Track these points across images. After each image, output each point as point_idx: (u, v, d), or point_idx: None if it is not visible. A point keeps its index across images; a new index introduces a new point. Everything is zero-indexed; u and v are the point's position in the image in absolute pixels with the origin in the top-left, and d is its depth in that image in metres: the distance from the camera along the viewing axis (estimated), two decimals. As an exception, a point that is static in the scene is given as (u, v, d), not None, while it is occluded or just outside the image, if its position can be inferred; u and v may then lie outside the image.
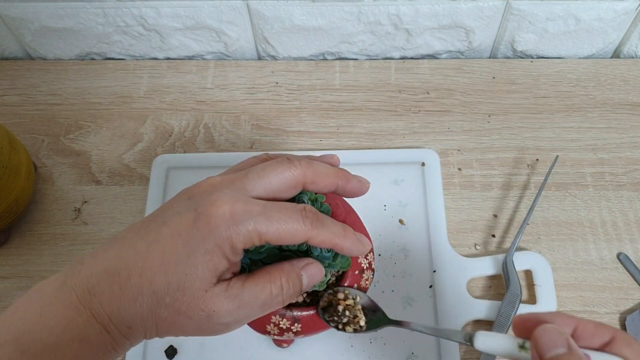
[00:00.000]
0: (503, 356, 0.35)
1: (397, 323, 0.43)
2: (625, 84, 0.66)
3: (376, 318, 0.43)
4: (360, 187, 0.41)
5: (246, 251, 0.40)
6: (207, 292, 0.34)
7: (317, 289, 0.43)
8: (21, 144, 0.56)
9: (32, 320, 0.33)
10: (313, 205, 0.43)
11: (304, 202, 0.42)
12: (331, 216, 0.44)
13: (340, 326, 0.42)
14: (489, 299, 0.53)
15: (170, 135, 0.64)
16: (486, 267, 0.55)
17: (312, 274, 0.38)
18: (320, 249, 0.41)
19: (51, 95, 0.67)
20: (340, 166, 0.59)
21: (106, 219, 0.59)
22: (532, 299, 0.54)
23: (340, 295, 0.43)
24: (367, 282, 0.45)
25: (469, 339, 0.36)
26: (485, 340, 0.36)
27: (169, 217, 0.35)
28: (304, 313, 0.43)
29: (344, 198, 0.45)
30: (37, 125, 0.65)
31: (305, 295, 0.44)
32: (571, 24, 0.65)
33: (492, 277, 0.55)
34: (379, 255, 0.55)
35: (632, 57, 0.70)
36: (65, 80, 0.68)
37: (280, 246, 0.42)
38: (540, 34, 0.67)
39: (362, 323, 0.43)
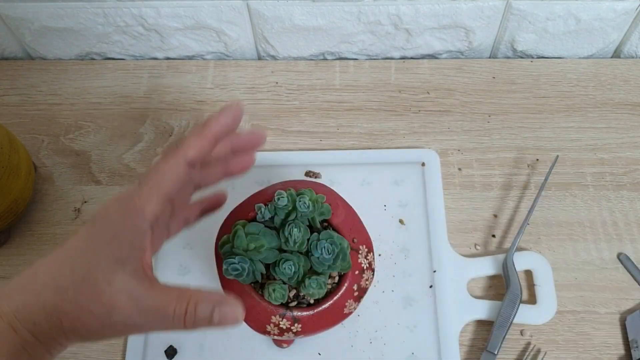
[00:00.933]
0: None
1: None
2: (625, 84, 0.66)
3: None
4: (254, 139, 0.42)
5: (245, 251, 0.40)
6: (111, 286, 0.34)
7: (317, 297, 0.43)
8: (21, 144, 0.56)
9: None
10: (313, 205, 0.43)
11: (304, 202, 0.42)
12: (331, 216, 0.45)
13: None
14: (489, 299, 0.53)
15: (170, 135, 0.64)
16: (486, 267, 0.55)
17: (225, 316, 0.35)
18: (321, 250, 0.41)
19: (51, 95, 0.67)
20: (340, 166, 0.60)
21: (106, 219, 0.59)
22: (532, 299, 0.54)
23: None
24: (367, 282, 0.46)
25: None
26: None
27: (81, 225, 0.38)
28: (304, 313, 0.43)
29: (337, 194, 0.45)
30: (37, 125, 0.65)
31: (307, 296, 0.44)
32: (571, 24, 0.65)
33: (492, 277, 0.55)
34: (379, 255, 0.55)
35: (632, 57, 0.70)
36: (65, 80, 0.68)
37: (280, 246, 0.42)
38: (540, 34, 0.67)
39: None
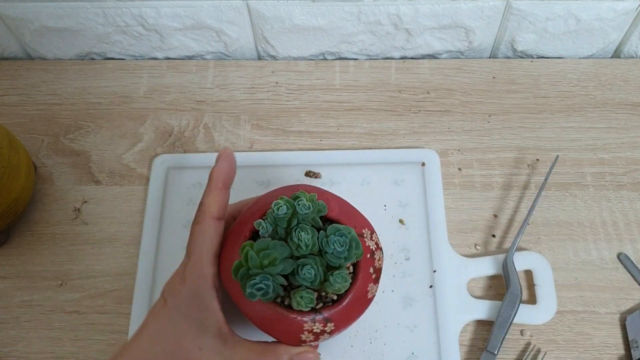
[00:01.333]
0: None
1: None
2: (625, 84, 0.66)
3: None
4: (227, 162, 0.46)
5: (262, 268, 0.40)
6: (202, 350, 0.40)
7: (342, 291, 0.43)
8: (21, 144, 0.56)
9: None
10: (312, 205, 0.42)
11: (303, 204, 0.42)
12: (327, 211, 0.44)
13: None
14: (489, 299, 0.53)
15: (170, 135, 0.64)
16: (486, 267, 0.55)
17: None
18: (333, 245, 0.41)
19: (51, 95, 0.67)
20: (341, 166, 0.60)
21: (106, 219, 0.59)
22: (532, 299, 0.54)
23: None
24: (380, 262, 0.45)
25: None
26: None
27: (148, 313, 0.44)
28: (333, 311, 0.42)
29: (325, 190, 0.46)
30: (37, 125, 0.65)
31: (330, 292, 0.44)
32: (571, 24, 0.65)
33: (492, 277, 0.55)
34: (379, 255, 0.55)
35: (633, 57, 0.70)
36: (65, 80, 0.68)
37: (292, 254, 0.42)
38: (541, 34, 0.67)
39: None
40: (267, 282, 0.40)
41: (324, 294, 0.43)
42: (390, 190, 0.59)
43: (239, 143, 0.63)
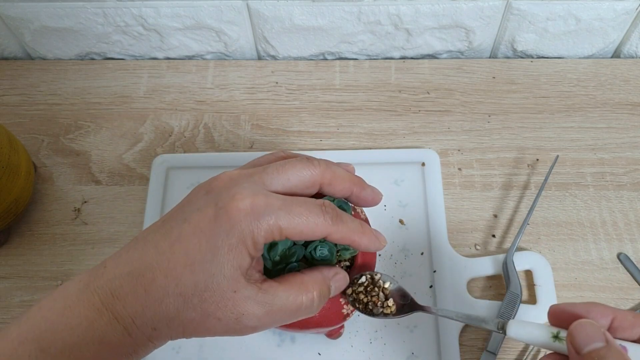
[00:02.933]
0: (535, 345, 0.35)
1: (426, 309, 0.43)
2: (625, 84, 0.66)
3: (407, 304, 0.44)
4: (374, 197, 0.41)
5: (275, 264, 0.40)
6: (237, 293, 0.34)
7: (353, 255, 0.44)
8: (21, 144, 0.56)
9: (54, 320, 0.33)
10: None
11: None
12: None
13: (370, 307, 0.43)
14: (489, 299, 0.53)
15: (170, 135, 0.64)
16: (486, 267, 0.55)
17: (339, 284, 0.40)
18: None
19: (51, 95, 0.67)
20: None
21: (106, 219, 0.59)
22: (532, 299, 0.54)
23: (376, 277, 0.43)
24: (363, 214, 0.47)
25: (502, 327, 0.37)
26: (518, 329, 0.36)
27: (189, 213, 0.35)
28: (353, 275, 0.44)
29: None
30: (37, 125, 0.65)
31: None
32: (571, 24, 0.65)
33: (492, 277, 0.55)
34: (379, 255, 0.55)
35: (633, 57, 0.70)
36: (65, 80, 0.68)
37: (307, 258, 0.42)
38: (541, 34, 0.67)
39: (393, 308, 0.43)
40: (296, 269, 0.40)
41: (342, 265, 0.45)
42: (390, 190, 0.59)
43: (239, 143, 0.63)
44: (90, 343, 0.33)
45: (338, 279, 0.40)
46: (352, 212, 0.46)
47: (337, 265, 0.42)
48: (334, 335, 0.50)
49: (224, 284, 0.33)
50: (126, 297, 0.33)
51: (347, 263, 0.45)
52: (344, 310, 0.43)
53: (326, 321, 0.43)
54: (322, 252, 0.41)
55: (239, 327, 0.35)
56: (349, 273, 0.44)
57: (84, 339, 0.32)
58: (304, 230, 0.34)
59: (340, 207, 0.43)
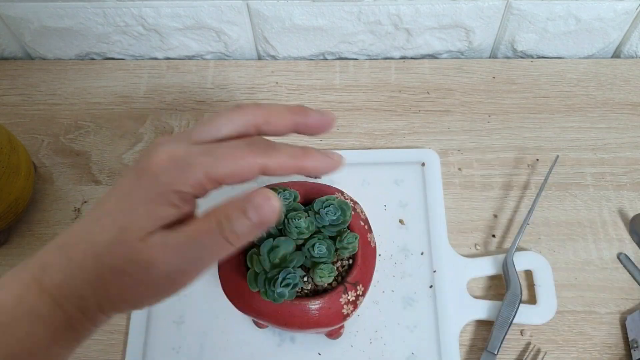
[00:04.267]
0: None
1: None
2: (625, 84, 0.66)
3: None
4: (322, 120, 0.37)
5: (279, 265, 0.40)
6: (144, 242, 0.31)
7: (355, 250, 0.43)
8: (21, 144, 0.56)
9: None
10: (289, 193, 0.43)
11: (280, 193, 0.42)
12: (299, 198, 0.45)
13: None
14: (489, 299, 0.53)
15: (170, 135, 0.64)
16: (486, 267, 0.55)
17: (260, 207, 0.31)
18: (328, 216, 0.42)
19: (51, 95, 0.67)
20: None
21: (106, 219, 0.59)
22: (532, 299, 0.54)
23: None
24: (363, 213, 0.48)
25: None
26: None
27: (115, 182, 0.34)
28: (354, 272, 0.44)
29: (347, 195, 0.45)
30: (37, 125, 0.65)
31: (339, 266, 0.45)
32: (571, 24, 0.65)
33: (492, 277, 0.55)
34: (379, 255, 0.55)
35: (633, 57, 0.70)
36: (65, 80, 0.68)
37: (296, 244, 0.42)
38: (541, 34, 0.67)
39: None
40: (291, 274, 0.40)
41: (337, 266, 0.45)
42: (390, 190, 0.59)
43: (239, 143, 0.63)
44: (21, 318, 0.32)
45: (254, 197, 0.31)
46: (352, 212, 0.46)
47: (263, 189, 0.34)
48: (334, 335, 0.50)
49: (133, 236, 0.31)
50: (52, 268, 0.32)
51: (349, 262, 0.45)
52: (344, 310, 0.43)
53: (326, 321, 0.43)
54: (320, 249, 0.41)
55: (153, 280, 0.32)
56: (349, 273, 0.44)
57: (14, 315, 0.32)
58: (235, 170, 0.32)
59: (342, 207, 0.43)
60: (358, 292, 0.44)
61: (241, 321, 0.53)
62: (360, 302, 0.45)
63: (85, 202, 0.60)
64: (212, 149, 0.32)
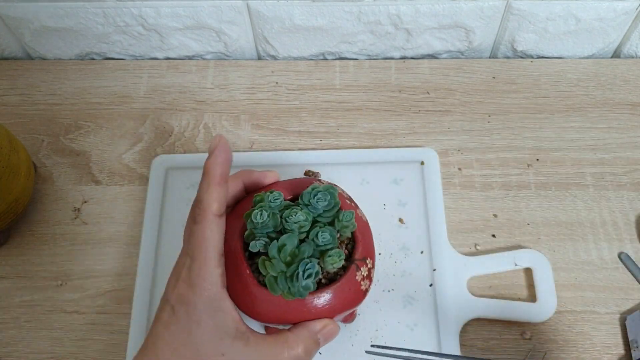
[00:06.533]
0: None
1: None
2: (625, 84, 0.66)
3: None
4: (265, 175, 0.46)
5: (288, 264, 0.40)
6: (225, 356, 0.38)
7: (353, 229, 0.44)
8: (21, 144, 0.56)
9: None
10: (277, 194, 0.43)
11: (274, 196, 0.42)
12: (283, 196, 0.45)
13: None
14: (489, 298, 0.53)
15: (170, 135, 0.64)
16: (486, 265, 0.55)
17: (329, 334, 0.41)
18: (317, 203, 0.43)
19: (51, 95, 0.67)
20: (340, 165, 0.60)
21: (106, 219, 0.59)
22: (532, 297, 0.54)
23: None
24: (347, 194, 0.48)
25: None
26: None
27: (152, 327, 0.41)
28: (359, 249, 0.44)
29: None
30: (37, 125, 0.65)
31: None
32: (571, 24, 0.65)
33: (492, 276, 0.55)
34: (379, 254, 0.55)
35: (633, 57, 0.70)
36: (65, 80, 0.68)
37: (299, 237, 0.42)
38: (541, 34, 0.67)
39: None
40: (310, 264, 0.40)
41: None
42: (390, 190, 0.59)
43: (239, 143, 0.63)
44: None
45: (326, 331, 0.41)
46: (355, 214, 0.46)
47: (329, 320, 0.43)
48: (351, 318, 0.51)
49: (210, 351, 0.38)
50: None
51: (349, 244, 0.45)
52: (362, 287, 0.43)
53: (350, 302, 0.43)
54: (324, 237, 0.41)
55: None
56: (354, 252, 0.44)
57: None
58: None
59: (330, 192, 0.43)
60: (369, 266, 0.44)
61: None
62: (373, 275, 0.45)
63: (85, 202, 0.60)
64: None
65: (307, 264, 0.40)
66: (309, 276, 0.40)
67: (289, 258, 0.41)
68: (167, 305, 0.39)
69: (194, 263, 0.39)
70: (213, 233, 0.40)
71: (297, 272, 0.40)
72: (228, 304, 0.40)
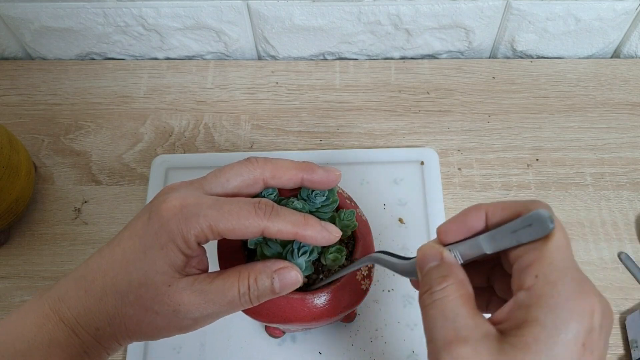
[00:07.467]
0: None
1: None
2: (625, 84, 0.66)
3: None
4: (328, 177, 0.40)
5: (286, 253, 0.40)
6: (171, 287, 0.35)
7: (354, 227, 0.44)
8: (21, 144, 0.56)
9: (8, 330, 0.36)
10: (273, 190, 0.43)
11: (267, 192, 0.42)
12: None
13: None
14: (489, 299, 0.53)
15: (170, 135, 0.64)
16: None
17: (286, 280, 0.37)
18: (315, 198, 0.42)
19: (51, 95, 0.67)
20: (340, 165, 0.60)
21: (106, 219, 0.59)
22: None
23: None
24: (345, 192, 0.47)
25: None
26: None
27: (130, 222, 0.37)
28: (359, 247, 0.44)
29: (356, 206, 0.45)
30: (37, 125, 0.65)
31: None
32: (571, 24, 0.65)
33: (492, 277, 0.55)
34: (379, 255, 0.55)
35: (632, 57, 0.70)
36: (65, 80, 0.68)
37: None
38: (540, 34, 0.67)
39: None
40: (304, 247, 0.40)
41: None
42: (390, 189, 0.59)
43: (239, 143, 0.63)
44: (40, 346, 0.35)
45: (283, 272, 0.37)
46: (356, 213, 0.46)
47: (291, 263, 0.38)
48: (351, 317, 0.51)
49: (157, 279, 0.34)
50: (70, 300, 0.35)
51: (348, 244, 0.45)
52: (363, 286, 0.44)
53: (351, 301, 0.43)
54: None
55: (179, 320, 0.35)
56: (354, 251, 0.44)
57: (34, 343, 0.35)
58: (237, 228, 0.34)
59: (332, 199, 0.43)
60: (369, 265, 0.44)
61: (242, 321, 0.53)
62: (373, 275, 0.45)
63: (85, 202, 0.60)
64: (220, 203, 0.35)
65: (301, 243, 0.40)
66: (304, 253, 0.40)
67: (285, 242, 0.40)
68: (145, 213, 0.36)
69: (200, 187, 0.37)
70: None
71: (291, 248, 0.40)
72: (196, 250, 0.35)
